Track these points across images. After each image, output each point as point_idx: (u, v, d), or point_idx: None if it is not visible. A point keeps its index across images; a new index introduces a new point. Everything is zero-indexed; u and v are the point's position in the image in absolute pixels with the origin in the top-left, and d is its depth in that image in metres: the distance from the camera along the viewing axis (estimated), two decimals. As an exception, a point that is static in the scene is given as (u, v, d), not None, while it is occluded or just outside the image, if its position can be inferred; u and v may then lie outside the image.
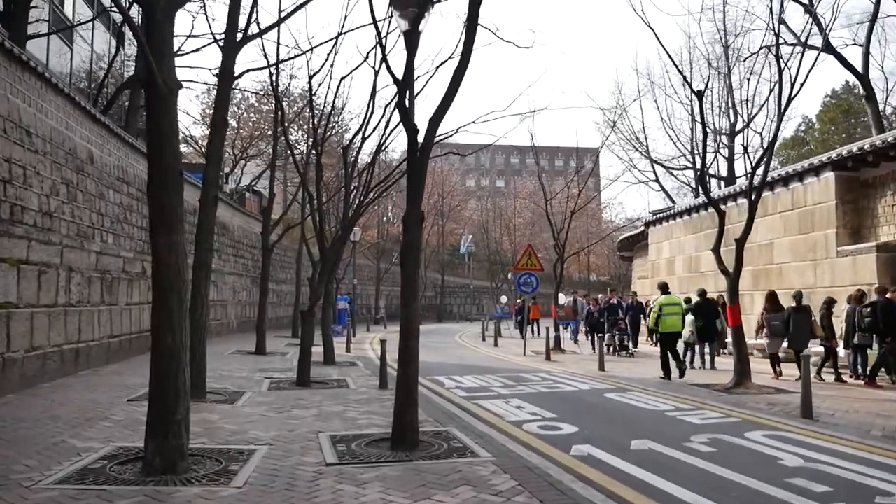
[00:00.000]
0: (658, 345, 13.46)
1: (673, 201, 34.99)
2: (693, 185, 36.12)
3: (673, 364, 12.70)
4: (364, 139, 14.95)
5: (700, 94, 11.65)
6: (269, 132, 23.22)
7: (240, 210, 27.24)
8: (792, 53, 14.48)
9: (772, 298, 13.25)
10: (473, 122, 11.49)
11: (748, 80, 31.89)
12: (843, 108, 37.52)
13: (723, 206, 20.10)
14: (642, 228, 29.27)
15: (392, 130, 13.94)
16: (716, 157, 32.87)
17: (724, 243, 20.64)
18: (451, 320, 45.26)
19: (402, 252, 6.99)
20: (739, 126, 31.78)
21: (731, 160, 31.96)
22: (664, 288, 14.22)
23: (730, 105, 31.90)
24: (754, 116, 31.52)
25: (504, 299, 35.31)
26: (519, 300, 38.63)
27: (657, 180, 36.25)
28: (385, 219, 48.25)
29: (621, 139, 33.94)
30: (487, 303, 55.32)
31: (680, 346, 13.60)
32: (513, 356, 18.21)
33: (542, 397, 10.11)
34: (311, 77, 12.81)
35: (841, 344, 12.86)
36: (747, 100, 31.17)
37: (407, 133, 6.97)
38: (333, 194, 17.88)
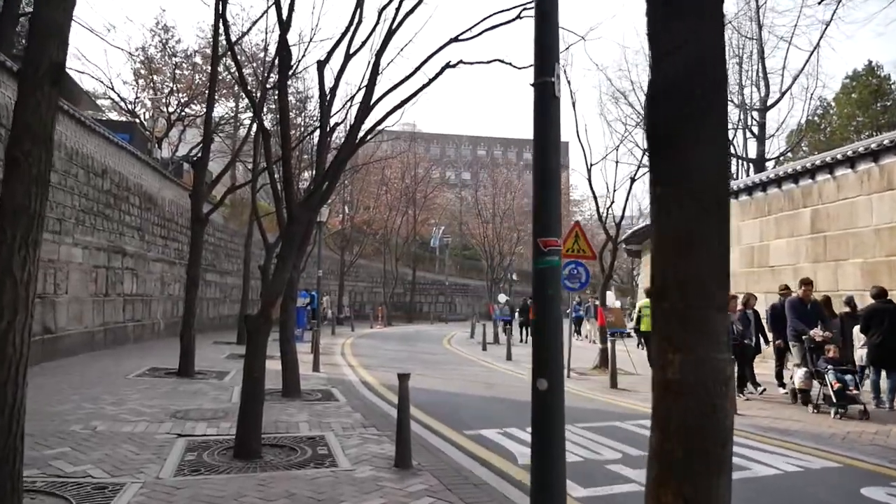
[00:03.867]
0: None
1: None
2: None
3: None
4: (349, 57, 10.08)
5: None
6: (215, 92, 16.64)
7: (172, 180, 21.39)
8: None
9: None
10: None
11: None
12: (871, 88, 33.29)
13: (811, 179, 15.21)
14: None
15: (395, 31, 8.85)
16: (744, 133, 28.18)
17: (802, 229, 16.14)
18: (423, 321, 39.82)
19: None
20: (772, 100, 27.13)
21: (761, 139, 27.30)
22: (647, 293, 14.50)
23: (760, 75, 27.21)
24: (790, 86, 27.05)
25: (503, 298, 30.12)
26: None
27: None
28: (346, 206, 42.53)
29: (618, 108, 29.08)
30: (461, 301, 50.09)
31: None
32: (551, 378, 13.01)
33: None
34: None
35: None
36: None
37: None
38: (298, 142, 12.45)
